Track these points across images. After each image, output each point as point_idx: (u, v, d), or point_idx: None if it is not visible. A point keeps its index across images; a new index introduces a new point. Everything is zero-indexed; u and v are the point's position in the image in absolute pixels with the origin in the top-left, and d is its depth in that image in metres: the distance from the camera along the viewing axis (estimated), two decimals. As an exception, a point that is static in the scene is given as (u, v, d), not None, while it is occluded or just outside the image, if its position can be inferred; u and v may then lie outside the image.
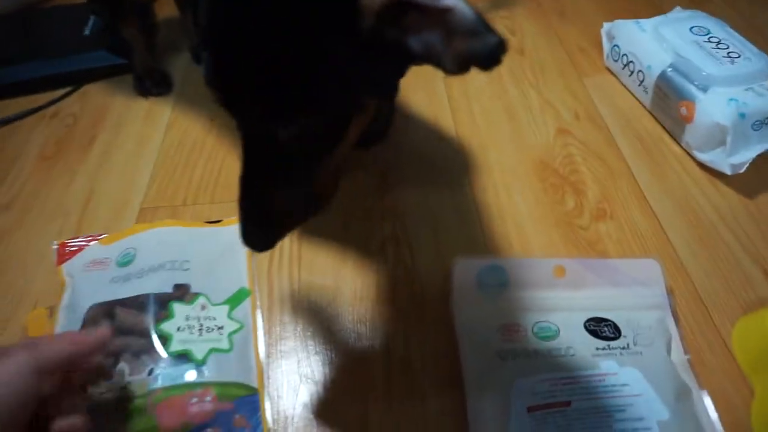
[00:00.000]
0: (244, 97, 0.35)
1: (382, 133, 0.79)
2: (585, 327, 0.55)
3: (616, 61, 0.88)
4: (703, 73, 0.74)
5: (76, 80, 0.95)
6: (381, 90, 0.42)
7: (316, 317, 0.60)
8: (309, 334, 0.58)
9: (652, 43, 0.81)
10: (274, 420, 0.52)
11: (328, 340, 0.58)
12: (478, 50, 0.30)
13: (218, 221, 0.67)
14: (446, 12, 0.30)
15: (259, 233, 0.39)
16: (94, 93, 0.94)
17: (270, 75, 0.33)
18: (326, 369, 0.56)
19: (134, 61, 0.93)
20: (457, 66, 0.31)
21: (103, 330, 0.46)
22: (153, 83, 0.92)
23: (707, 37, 0.80)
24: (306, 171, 0.39)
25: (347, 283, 0.63)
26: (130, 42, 0.92)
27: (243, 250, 0.64)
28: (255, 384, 0.53)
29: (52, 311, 0.59)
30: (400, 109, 0.86)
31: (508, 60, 0.94)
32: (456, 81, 0.92)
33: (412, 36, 0.32)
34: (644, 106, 0.84)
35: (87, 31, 1.00)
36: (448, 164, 0.77)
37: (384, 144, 0.79)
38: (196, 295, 0.58)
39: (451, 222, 0.69)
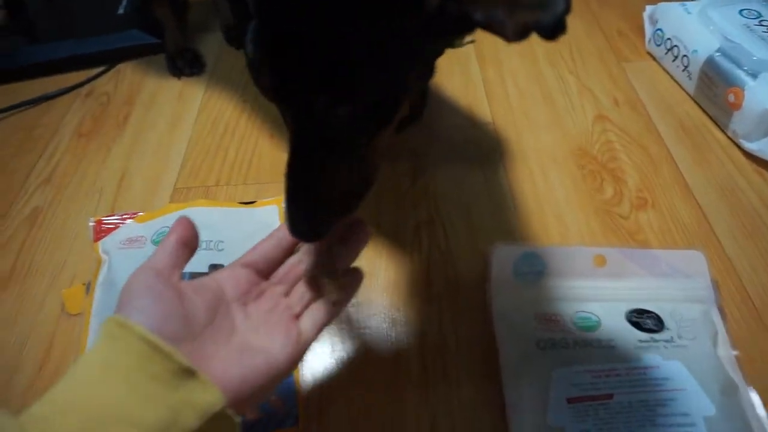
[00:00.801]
0: (301, 77, 0.33)
1: (417, 116, 0.78)
2: (627, 318, 0.54)
3: (658, 45, 0.85)
4: (754, 58, 0.71)
5: (109, 59, 0.95)
6: (428, 67, 0.41)
7: (351, 302, 0.59)
8: (343, 318, 0.58)
9: (698, 27, 0.78)
10: (308, 403, 0.51)
11: (363, 325, 0.57)
12: (546, 21, 0.28)
13: (252, 202, 0.66)
14: None
15: (309, 222, 0.38)
16: (127, 72, 0.94)
17: (332, 53, 0.32)
18: (360, 354, 0.55)
19: (167, 40, 0.93)
20: (519, 35, 0.30)
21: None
22: (185, 63, 0.92)
23: (758, 20, 0.76)
24: (357, 153, 0.38)
25: (381, 267, 0.62)
26: (162, 21, 0.92)
27: (277, 232, 0.63)
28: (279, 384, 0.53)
29: (88, 287, 0.60)
30: (434, 92, 0.84)
31: (544, 43, 0.93)
32: (491, 64, 0.90)
33: (475, 8, 0.31)
34: (687, 93, 0.81)
35: (120, 10, 1.00)
36: (482, 148, 0.76)
37: (418, 127, 0.78)
38: (231, 275, 0.57)
39: (486, 207, 0.68)
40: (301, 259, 0.44)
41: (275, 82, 0.35)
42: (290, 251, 0.44)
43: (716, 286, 0.57)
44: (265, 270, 0.43)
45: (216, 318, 0.37)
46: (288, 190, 0.38)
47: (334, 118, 0.34)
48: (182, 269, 0.39)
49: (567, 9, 0.28)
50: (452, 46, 0.43)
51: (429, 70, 0.46)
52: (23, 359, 0.56)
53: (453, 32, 0.36)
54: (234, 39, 0.97)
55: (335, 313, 0.42)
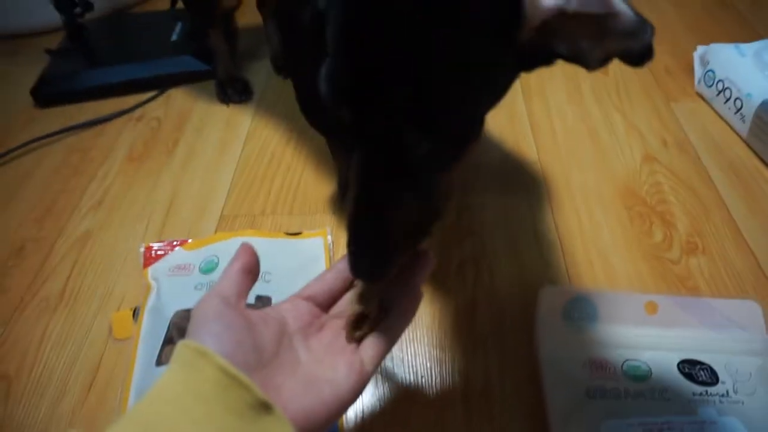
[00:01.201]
0: (388, 113, 0.32)
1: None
2: (679, 369, 0.52)
3: (709, 86, 0.84)
4: (812, 105, 0.69)
5: (161, 84, 0.98)
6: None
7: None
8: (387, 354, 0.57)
9: (753, 70, 0.77)
10: (350, 440, 0.51)
11: (406, 363, 0.57)
12: (635, 49, 0.29)
13: (298, 233, 0.67)
14: (611, 17, 0.29)
15: (375, 262, 0.37)
16: (177, 97, 0.97)
17: (420, 88, 0.31)
18: (404, 394, 0.55)
19: (217, 67, 0.96)
20: (601, 63, 0.30)
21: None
22: (234, 90, 0.94)
23: (815, 65, 0.75)
24: (428, 188, 0.37)
25: (425, 304, 0.62)
26: (214, 49, 0.94)
27: (322, 264, 0.64)
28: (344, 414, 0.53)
29: (135, 312, 0.61)
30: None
31: (591, 79, 0.93)
32: (537, 98, 0.90)
33: (562, 41, 0.31)
34: (740, 136, 0.80)
35: (174, 37, 1.03)
36: (528, 185, 0.76)
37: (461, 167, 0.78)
38: (277, 306, 0.58)
39: (532, 245, 0.67)
40: (360, 294, 0.43)
41: (358, 118, 0.34)
42: (351, 283, 0.44)
43: (773, 339, 0.56)
44: (325, 303, 0.43)
45: (281, 349, 0.37)
46: (353, 229, 0.37)
47: (415, 153, 0.34)
48: (247, 297, 0.39)
49: (653, 34, 0.29)
50: None
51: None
52: (71, 381, 0.57)
53: (534, 65, 0.35)
54: (282, 68, 0.99)
55: (394, 340, 0.42)
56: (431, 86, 0.31)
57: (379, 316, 0.41)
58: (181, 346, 0.33)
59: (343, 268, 0.44)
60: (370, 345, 0.40)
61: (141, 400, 0.31)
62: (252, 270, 0.40)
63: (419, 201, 0.37)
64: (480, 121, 0.37)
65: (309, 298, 0.42)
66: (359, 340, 0.40)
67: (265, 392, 0.32)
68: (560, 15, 0.29)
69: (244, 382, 0.31)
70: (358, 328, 0.40)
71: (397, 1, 0.30)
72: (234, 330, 0.35)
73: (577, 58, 0.31)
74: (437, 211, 0.40)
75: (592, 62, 0.31)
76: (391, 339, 0.41)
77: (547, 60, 0.34)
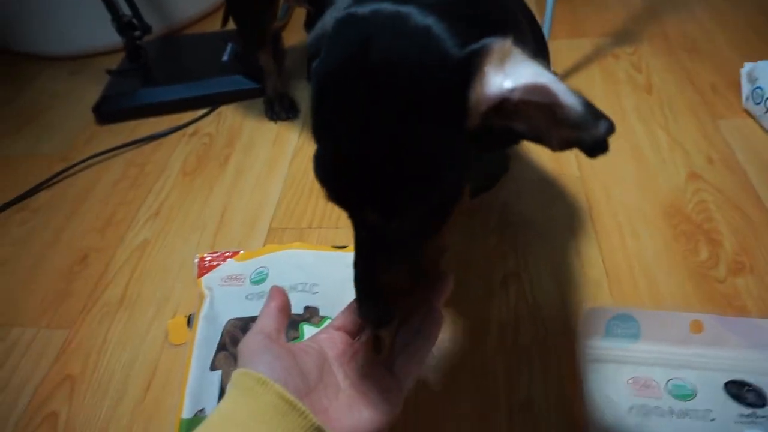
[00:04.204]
0: (356, 193, 0.35)
1: (494, 181, 0.79)
2: (725, 389, 0.52)
3: (757, 103, 0.83)
4: None
5: (213, 102, 1.02)
6: (481, 170, 0.42)
7: (437, 350, 0.60)
8: (430, 365, 0.59)
9: (802, 88, 0.76)
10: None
11: (449, 375, 0.58)
12: (585, 141, 0.29)
13: (344, 246, 0.69)
14: (557, 107, 0.29)
15: (375, 310, 0.40)
16: (228, 114, 1.01)
17: (381, 173, 0.33)
18: (447, 404, 0.56)
19: (266, 86, 0.99)
20: (563, 147, 0.30)
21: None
22: (282, 108, 0.98)
23: None
24: (413, 253, 0.40)
25: (469, 318, 0.63)
26: (264, 68, 0.98)
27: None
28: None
29: (190, 319, 0.64)
30: (520, 145, 0.86)
31: (634, 98, 0.93)
32: (579, 118, 0.90)
33: (518, 123, 0.31)
34: (789, 154, 0.78)
35: (225, 58, 1.08)
36: (569, 202, 0.76)
37: (507, 179, 0.79)
38: (324, 318, 0.60)
39: (574, 262, 0.68)
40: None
41: (334, 196, 0.36)
42: None
43: (824, 362, 0.55)
44: (355, 331, 0.46)
45: (323, 375, 0.41)
46: (355, 279, 0.40)
47: (386, 230, 0.36)
48: (285, 332, 0.43)
49: (609, 131, 0.29)
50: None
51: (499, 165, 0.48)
52: (129, 384, 0.60)
53: (499, 144, 0.36)
54: None
55: (423, 360, 0.44)
56: (388, 173, 0.33)
57: (395, 336, 0.44)
58: (240, 375, 0.37)
59: None
60: (401, 366, 0.42)
61: (204, 424, 0.34)
62: (286, 309, 0.45)
63: (406, 263, 0.40)
64: (453, 197, 0.38)
65: (340, 328, 0.45)
66: (386, 362, 0.43)
67: (316, 415, 0.35)
68: (506, 101, 0.30)
69: (300, 408, 0.34)
70: (378, 350, 0.44)
71: (351, 95, 0.32)
72: (282, 360, 0.38)
73: (537, 138, 0.31)
74: (430, 269, 0.42)
75: (553, 144, 0.31)
76: (419, 360, 0.43)
77: (510, 139, 0.34)
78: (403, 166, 0.33)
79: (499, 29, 0.32)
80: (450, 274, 0.46)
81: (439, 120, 0.32)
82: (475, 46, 0.31)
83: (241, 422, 0.34)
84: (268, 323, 0.42)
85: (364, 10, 0.33)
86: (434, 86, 0.31)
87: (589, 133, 0.28)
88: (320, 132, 0.35)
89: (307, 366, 0.40)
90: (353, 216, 0.38)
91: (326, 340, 0.44)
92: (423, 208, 0.35)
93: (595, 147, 0.29)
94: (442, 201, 0.37)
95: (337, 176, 0.35)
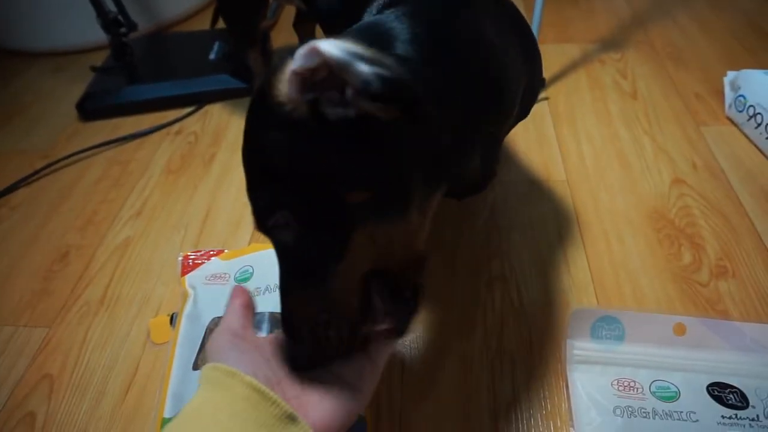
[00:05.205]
0: (254, 198, 0.38)
1: (481, 186, 0.78)
2: (708, 391, 0.52)
3: (740, 111, 0.85)
4: None
5: (199, 101, 1.01)
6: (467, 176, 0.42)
7: (422, 349, 0.60)
8: (415, 366, 0.59)
9: (784, 96, 0.77)
10: (378, 450, 0.52)
11: (434, 374, 0.58)
12: (359, 83, 0.29)
13: (330, 246, 0.69)
14: (330, 64, 0.29)
15: (295, 347, 0.40)
16: (214, 113, 1.00)
17: (253, 180, 0.37)
18: (430, 404, 0.55)
19: (254, 85, 0.99)
20: (377, 108, 0.30)
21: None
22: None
23: None
24: (320, 275, 0.37)
25: (454, 318, 0.63)
26: (252, 67, 0.97)
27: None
28: (362, 411, 0.54)
29: (172, 319, 0.63)
30: (510, 148, 0.86)
31: (620, 103, 0.94)
32: (566, 122, 0.91)
33: (324, 100, 0.32)
34: (770, 161, 0.80)
35: (212, 56, 1.07)
36: (556, 206, 0.76)
37: (494, 183, 0.79)
38: (309, 317, 0.59)
39: (560, 266, 0.68)
40: None
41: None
42: None
43: (805, 365, 0.55)
44: None
45: None
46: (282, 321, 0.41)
47: (283, 236, 0.37)
48: (250, 327, 0.43)
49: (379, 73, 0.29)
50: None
51: (488, 143, 0.47)
52: (110, 384, 0.59)
53: (351, 139, 0.34)
54: None
55: (397, 339, 0.44)
56: (257, 178, 0.37)
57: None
58: (209, 369, 0.37)
59: None
60: (375, 347, 0.42)
61: (176, 420, 0.34)
62: (250, 305, 0.46)
63: (314, 295, 0.38)
64: (342, 212, 0.35)
65: None
66: (360, 345, 0.42)
67: (288, 403, 0.35)
68: (297, 76, 0.31)
69: (272, 397, 0.34)
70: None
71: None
72: (249, 353, 0.39)
73: (359, 113, 0.31)
74: (345, 312, 0.40)
75: (372, 110, 0.30)
76: (393, 339, 0.44)
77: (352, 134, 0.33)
78: (263, 170, 0.36)
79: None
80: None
81: (268, 123, 0.35)
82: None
83: (211, 416, 0.33)
84: (234, 320, 0.43)
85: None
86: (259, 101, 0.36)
87: (359, 74, 0.28)
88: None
89: (276, 357, 0.40)
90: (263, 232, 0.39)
91: None
92: (310, 213, 0.35)
93: (373, 90, 0.29)
94: (329, 209, 0.35)
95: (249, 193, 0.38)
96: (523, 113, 0.62)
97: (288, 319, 0.40)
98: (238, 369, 0.36)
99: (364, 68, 0.28)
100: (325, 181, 0.34)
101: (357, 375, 0.40)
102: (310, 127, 0.33)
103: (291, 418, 0.34)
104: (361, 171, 0.34)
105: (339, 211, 0.35)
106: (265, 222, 0.37)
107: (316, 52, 0.29)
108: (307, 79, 0.31)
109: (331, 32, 0.76)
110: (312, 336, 0.39)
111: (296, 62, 0.30)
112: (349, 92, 0.30)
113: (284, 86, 0.32)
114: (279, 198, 0.35)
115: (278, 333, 0.44)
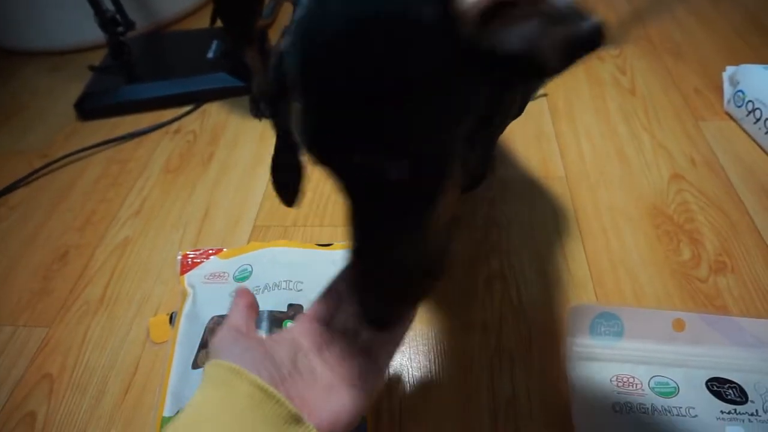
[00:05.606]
0: (352, 144, 0.32)
1: (479, 180, 0.78)
2: (707, 387, 0.52)
3: (739, 106, 0.84)
4: (843, 126, 0.69)
5: (197, 99, 1.01)
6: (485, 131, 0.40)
7: (421, 347, 0.60)
8: (414, 364, 0.59)
9: (783, 91, 0.77)
10: (378, 448, 0.52)
11: (433, 372, 0.58)
12: (580, 35, 0.29)
13: (329, 244, 0.69)
14: (539, 3, 0.29)
15: (382, 308, 0.38)
16: (212, 112, 1.00)
17: (386, 108, 0.31)
18: (430, 403, 0.55)
19: (252, 84, 0.99)
20: (561, 58, 0.30)
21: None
22: (267, 106, 0.97)
23: None
24: (418, 224, 0.36)
25: (453, 317, 0.63)
26: (250, 66, 0.97)
27: (352, 275, 0.65)
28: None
29: (172, 318, 0.63)
30: (508, 145, 0.86)
31: (618, 99, 0.94)
32: (564, 118, 0.91)
33: (509, 35, 0.30)
34: (769, 156, 0.80)
35: (210, 55, 1.07)
36: (554, 203, 0.76)
37: (493, 179, 0.79)
38: (308, 315, 0.59)
39: (559, 262, 0.68)
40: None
41: (330, 149, 0.34)
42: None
43: (804, 360, 0.55)
44: (329, 320, 0.45)
45: (297, 364, 0.40)
46: (356, 274, 0.38)
47: (387, 182, 0.33)
48: (254, 327, 0.43)
49: (600, 27, 0.28)
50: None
51: (487, 138, 0.45)
52: (109, 383, 0.59)
53: (496, 77, 0.33)
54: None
55: (401, 339, 0.44)
56: (382, 109, 0.31)
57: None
58: (212, 366, 0.36)
59: (342, 290, 0.45)
60: (378, 348, 0.42)
61: (178, 419, 0.33)
62: (254, 306, 0.45)
63: (412, 239, 0.37)
64: (451, 146, 0.35)
65: (315, 319, 0.44)
66: (364, 345, 0.43)
67: (292, 402, 0.34)
68: (494, 4, 0.29)
69: (276, 396, 0.34)
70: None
71: (341, 40, 0.30)
72: (253, 351, 0.38)
73: (533, 55, 0.30)
74: (437, 251, 0.39)
75: (550, 57, 0.30)
76: (396, 341, 0.43)
77: (509, 65, 0.32)
78: (407, 98, 0.31)
79: None
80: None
81: (430, 33, 0.30)
82: None
83: (214, 415, 0.33)
84: (237, 318, 0.42)
85: None
86: (423, 6, 0.30)
87: (580, 26, 0.28)
88: (308, 85, 0.32)
89: (280, 355, 0.39)
90: (350, 179, 0.35)
91: (301, 331, 0.43)
92: (421, 147, 0.33)
93: (592, 39, 0.29)
94: (442, 149, 0.34)
95: (336, 125, 0.32)
96: (519, 111, 0.62)
97: (370, 271, 0.37)
98: (241, 366, 0.35)
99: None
100: (454, 114, 0.33)
101: (361, 376, 0.40)
102: (463, 53, 0.31)
103: (296, 419, 0.34)
104: (477, 110, 0.34)
105: (452, 147, 0.34)
106: (374, 154, 0.32)
107: None
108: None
109: None
110: (398, 287, 0.37)
111: None
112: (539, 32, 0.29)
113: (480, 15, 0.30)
114: (403, 129, 0.32)
115: (284, 329, 0.43)
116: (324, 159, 0.34)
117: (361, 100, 0.31)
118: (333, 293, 0.46)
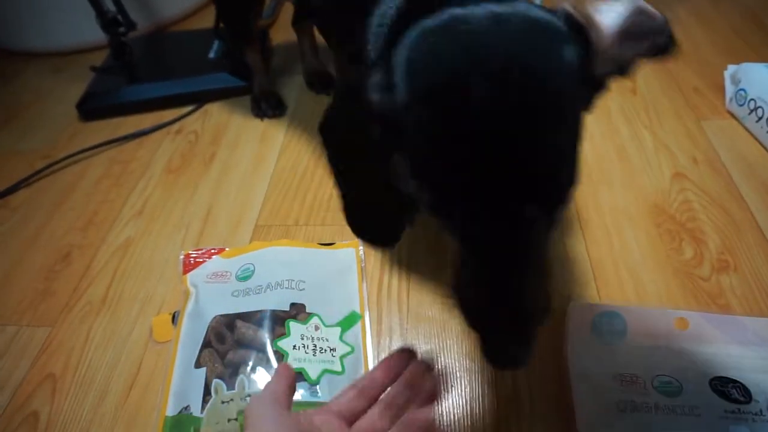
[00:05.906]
0: (517, 190, 0.33)
1: None
2: (711, 386, 0.52)
3: (741, 105, 0.84)
4: None
5: (199, 99, 1.01)
6: None
7: (424, 348, 0.60)
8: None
9: (785, 90, 0.77)
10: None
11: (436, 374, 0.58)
12: (661, 43, 0.33)
13: (331, 244, 0.69)
14: (647, 17, 0.33)
15: (521, 345, 0.37)
16: (214, 112, 1.00)
17: (536, 163, 0.32)
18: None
19: (253, 83, 0.99)
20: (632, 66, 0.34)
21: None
22: (268, 105, 0.97)
23: None
24: (542, 251, 0.36)
25: (455, 316, 0.62)
26: (251, 65, 0.97)
27: (354, 275, 0.65)
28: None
29: (174, 317, 0.63)
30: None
31: (619, 99, 0.94)
32: (566, 118, 0.91)
33: (627, 53, 0.34)
34: (772, 154, 0.80)
35: (211, 55, 1.07)
36: (557, 202, 0.76)
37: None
38: (310, 315, 0.59)
39: (562, 262, 0.68)
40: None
41: (486, 206, 0.33)
42: (374, 400, 0.44)
43: (807, 358, 0.55)
44: (351, 419, 0.44)
45: None
46: (492, 317, 0.37)
47: (536, 225, 0.34)
48: (291, 406, 0.41)
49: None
50: None
51: None
52: (112, 382, 0.59)
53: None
54: (314, 84, 1.02)
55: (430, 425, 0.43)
56: (544, 160, 0.33)
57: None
58: None
59: (364, 386, 0.44)
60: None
61: None
62: (293, 386, 0.43)
63: (538, 273, 0.36)
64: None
65: (338, 415, 0.43)
66: None
67: None
68: (617, 35, 0.33)
69: None
70: None
71: (493, 97, 0.32)
72: (287, 428, 0.37)
73: (620, 68, 0.34)
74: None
75: (629, 67, 0.34)
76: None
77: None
78: (561, 148, 0.33)
79: None
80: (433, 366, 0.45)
81: (574, 80, 0.33)
82: (560, 11, 0.34)
83: None
84: (279, 393, 0.40)
85: (457, 15, 0.34)
86: (567, 62, 0.33)
87: (665, 35, 0.32)
88: (462, 144, 0.32)
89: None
90: (498, 222, 0.34)
91: (324, 422, 0.42)
92: (568, 191, 0.34)
93: (668, 45, 0.34)
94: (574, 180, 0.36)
95: (495, 179, 0.32)
96: None
97: (505, 313, 0.36)
98: None
99: (656, 12, 0.33)
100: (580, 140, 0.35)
101: None
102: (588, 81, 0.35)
103: None
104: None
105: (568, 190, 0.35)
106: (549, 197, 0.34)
107: (639, 9, 0.32)
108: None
109: (325, 32, 0.76)
110: (528, 326, 0.37)
111: (626, 17, 0.32)
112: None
113: (606, 41, 0.33)
114: (563, 166, 0.34)
115: (310, 413, 0.42)
116: (478, 212, 0.34)
117: (531, 144, 0.32)
118: (359, 389, 0.44)
